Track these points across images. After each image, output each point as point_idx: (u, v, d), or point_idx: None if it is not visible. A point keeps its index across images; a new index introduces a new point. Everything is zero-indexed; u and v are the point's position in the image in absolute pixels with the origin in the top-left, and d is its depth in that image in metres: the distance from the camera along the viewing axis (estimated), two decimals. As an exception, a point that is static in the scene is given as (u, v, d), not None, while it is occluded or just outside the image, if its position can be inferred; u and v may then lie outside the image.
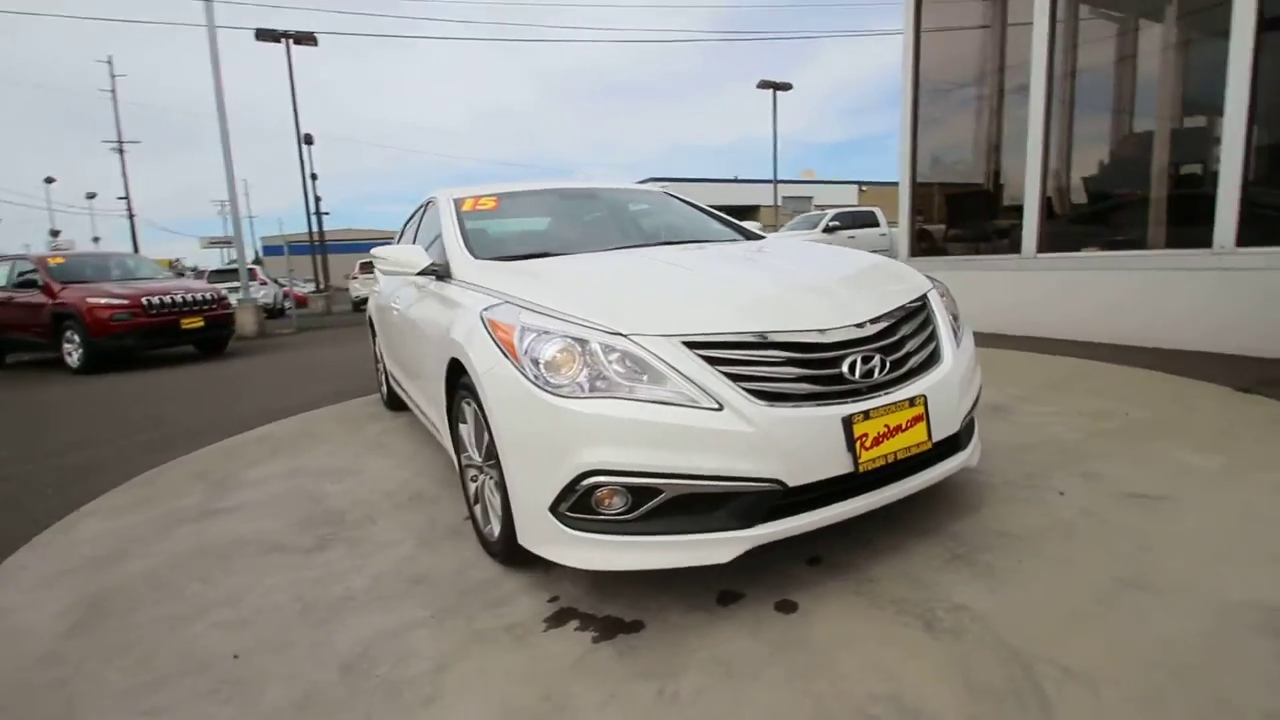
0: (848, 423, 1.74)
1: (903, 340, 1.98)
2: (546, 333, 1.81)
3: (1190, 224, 4.66)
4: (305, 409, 5.02)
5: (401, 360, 3.53)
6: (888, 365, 1.88)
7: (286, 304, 20.73)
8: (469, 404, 2.20)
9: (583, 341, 1.76)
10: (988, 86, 6.47)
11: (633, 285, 2.16)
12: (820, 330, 1.83)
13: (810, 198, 34.14)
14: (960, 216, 6.85)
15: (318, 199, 21.45)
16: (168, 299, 8.16)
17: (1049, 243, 5.65)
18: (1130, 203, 5.39)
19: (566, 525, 1.74)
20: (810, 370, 1.78)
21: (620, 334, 1.75)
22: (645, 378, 1.71)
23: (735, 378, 1.71)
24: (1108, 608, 1.73)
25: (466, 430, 2.33)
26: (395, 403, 4.49)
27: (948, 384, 1.99)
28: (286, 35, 18.53)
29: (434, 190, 3.57)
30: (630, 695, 1.54)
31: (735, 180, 36.15)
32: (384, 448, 3.76)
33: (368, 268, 20.19)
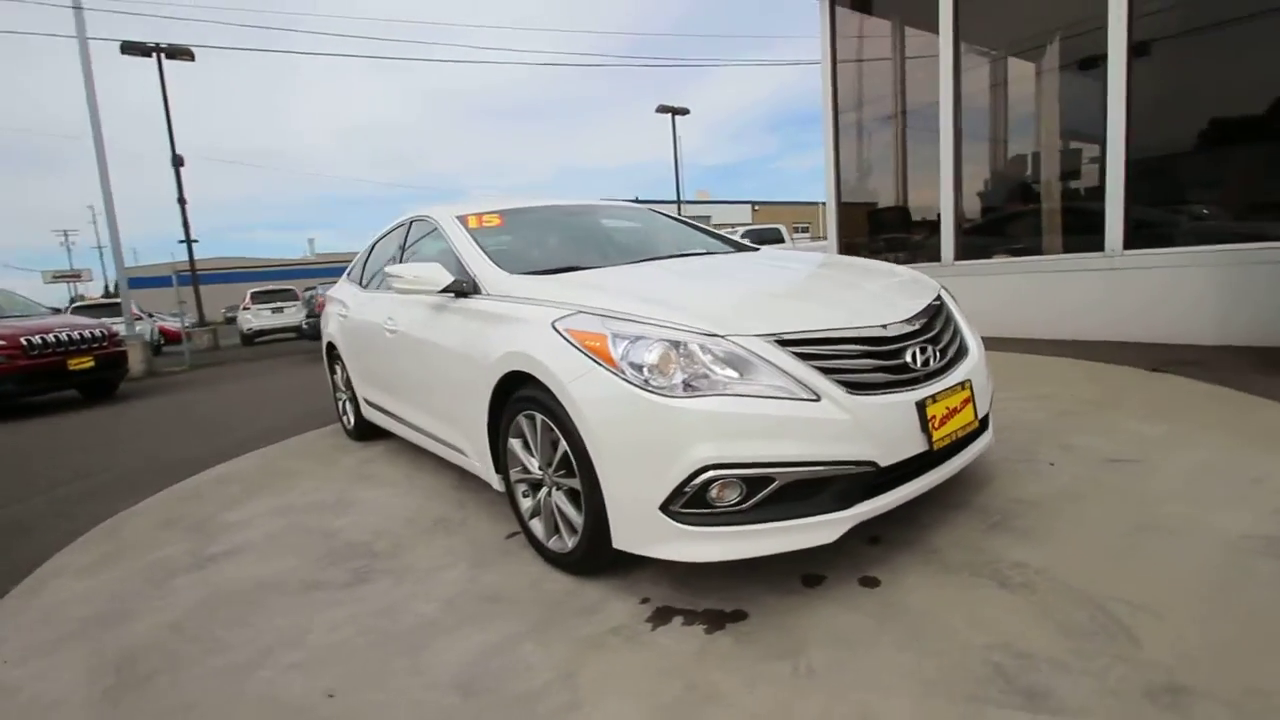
0: (921, 406, 1.92)
1: (940, 333, 2.21)
2: (642, 338, 1.86)
3: (1086, 232, 5.37)
4: (251, 447, 4.65)
5: (398, 384, 3.39)
6: (938, 355, 2.09)
7: (160, 340, 18.89)
8: (530, 416, 2.20)
9: (680, 344, 1.83)
10: (902, 113, 7.12)
11: (702, 291, 2.26)
12: (883, 325, 2.01)
13: (709, 217, 35.52)
14: (882, 230, 7.46)
15: (186, 226, 19.75)
16: (51, 337, 7.27)
17: (964, 251, 6.29)
18: (1033, 214, 6.12)
19: (679, 521, 1.79)
20: (882, 361, 1.95)
21: (718, 335, 1.84)
22: (740, 375, 1.81)
23: (825, 370, 1.84)
24: (1138, 550, 2.01)
25: (519, 445, 2.31)
26: (364, 433, 4.29)
27: (980, 369, 2.24)
28: (159, 49, 17.07)
29: (423, 208, 3.51)
30: (769, 675, 1.61)
31: (636, 201, 36.86)
32: (373, 478, 3.59)
33: (260, 297, 18.79)
